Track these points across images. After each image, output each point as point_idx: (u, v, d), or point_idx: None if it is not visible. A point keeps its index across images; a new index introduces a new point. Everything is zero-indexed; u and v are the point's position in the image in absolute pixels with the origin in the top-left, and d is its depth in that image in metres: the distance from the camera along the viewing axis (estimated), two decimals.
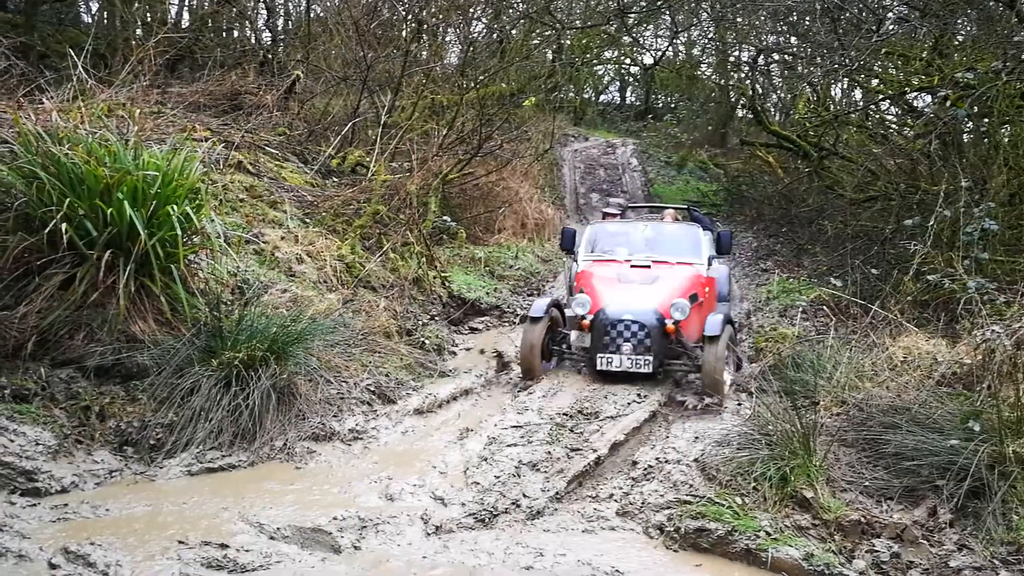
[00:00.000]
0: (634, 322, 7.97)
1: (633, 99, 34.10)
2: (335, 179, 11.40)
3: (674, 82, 25.40)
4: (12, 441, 5.34)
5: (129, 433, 5.99)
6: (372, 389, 7.45)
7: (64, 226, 6.02)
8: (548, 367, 8.50)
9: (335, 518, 5.28)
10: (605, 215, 11.46)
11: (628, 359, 7.90)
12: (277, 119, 11.61)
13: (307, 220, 9.82)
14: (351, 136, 12.41)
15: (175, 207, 6.47)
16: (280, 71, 13.11)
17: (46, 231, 6.06)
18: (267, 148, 10.90)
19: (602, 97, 33.86)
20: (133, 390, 6.24)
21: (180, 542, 4.76)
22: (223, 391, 6.25)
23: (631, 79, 32.95)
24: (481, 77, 14.64)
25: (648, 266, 8.90)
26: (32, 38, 12.48)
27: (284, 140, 11.53)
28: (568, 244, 9.68)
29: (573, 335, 8.54)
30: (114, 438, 5.96)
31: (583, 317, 8.20)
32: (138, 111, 8.18)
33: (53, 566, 4.31)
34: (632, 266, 8.94)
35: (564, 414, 7.39)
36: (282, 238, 8.94)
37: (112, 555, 4.49)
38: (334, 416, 6.82)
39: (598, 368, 8.00)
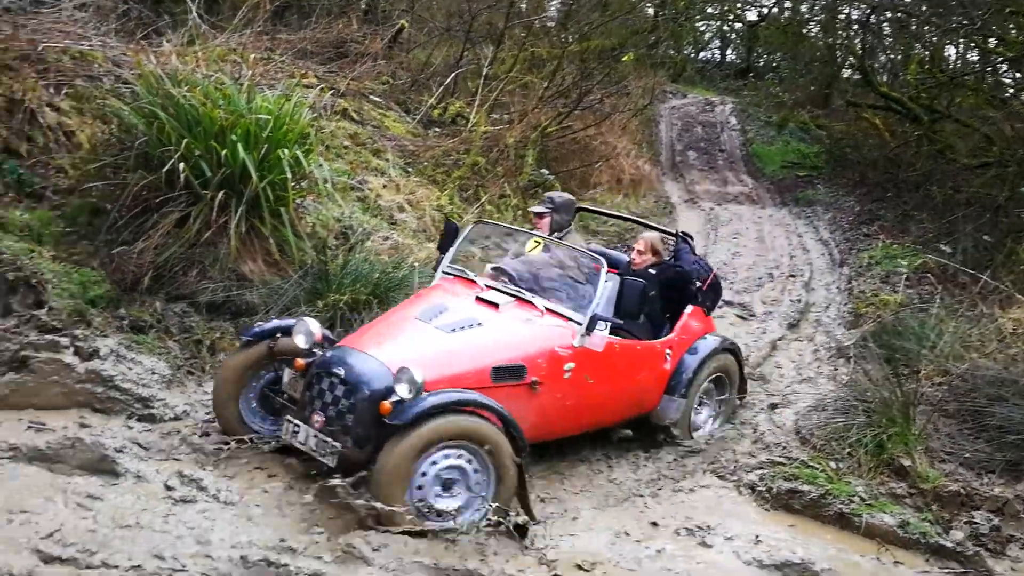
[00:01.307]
0: (343, 382, 4.79)
1: (733, 57, 33.31)
2: (436, 129, 11.50)
3: (778, 40, 24.71)
4: (130, 369, 5.61)
5: None
6: None
7: (181, 166, 6.24)
8: (269, 429, 5.33)
9: None
10: (535, 215, 7.04)
11: (314, 437, 4.74)
12: (381, 68, 11.74)
13: (408, 169, 9.96)
14: (453, 87, 12.47)
15: (286, 151, 6.64)
16: (385, 20, 13.22)
17: (164, 170, 6.30)
18: (371, 96, 11.05)
19: (701, 54, 33.19)
20: (242, 327, 6.47)
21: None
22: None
23: (733, 36, 32.20)
24: (583, 31, 14.52)
25: (496, 305, 5.50)
26: None
27: (387, 89, 11.66)
28: (446, 245, 6.20)
29: (286, 376, 5.24)
30: None
31: (304, 352, 5.15)
32: (252, 56, 8.36)
33: (168, 487, 4.54)
34: (478, 298, 5.58)
35: None
36: (384, 186, 9.09)
37: (222, 481, 4.71)
38: None
39: (281, 435, 5.01)
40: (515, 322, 5.38)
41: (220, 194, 6.39)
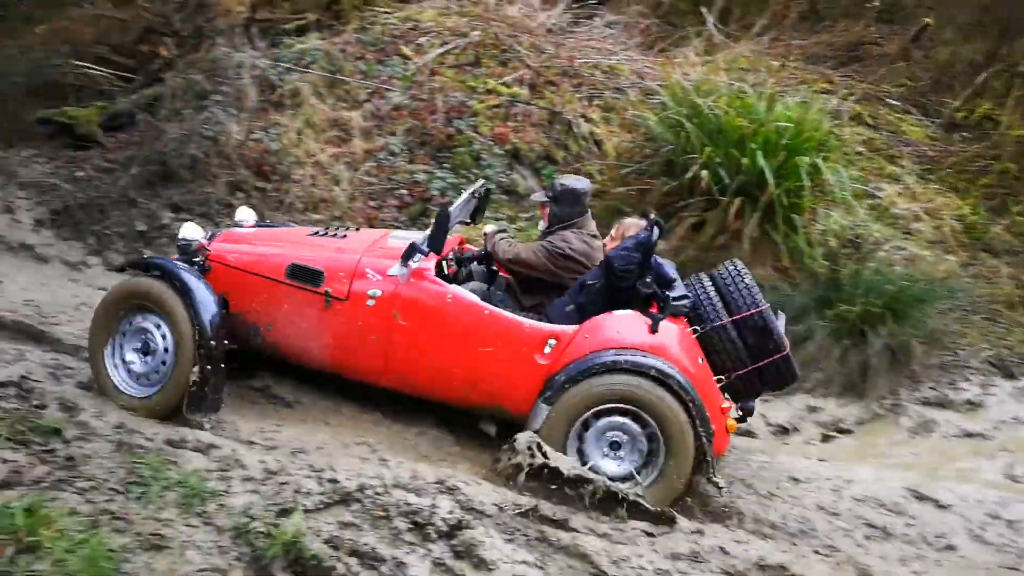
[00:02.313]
0: (186, 242, 4.91)
1: None
2: (961, 133, 10.62)
3: None
4: None
5: None
6: (992, 361, 6.91)
7: (703, 173, 6.53)
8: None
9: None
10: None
11: None
12: (900, 70, 11.13)
13: (927, 176, 9.34)
14: (982, 87, 11.40)
15: (804, 159, 6.63)
16: (905, 19, 12.48)
17: (686, 176, 6.62)
18: (887, 100, 10.54)
19: None
20: None
21: None
22: (835, 342, 6.31)
23: None
24: None
25: (382, 236, 5.23)
26: None
27: (905, 91, 11.02)
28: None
29: None
30: None
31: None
32: (775, 63, 8.45)
33: None
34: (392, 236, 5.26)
35: None
36: (899, 194, 8.63)
37: None
38: (948, 384, 6.51)
39: None
40: (361, 242, 5.08)
41: (736, 200, 6.56)
